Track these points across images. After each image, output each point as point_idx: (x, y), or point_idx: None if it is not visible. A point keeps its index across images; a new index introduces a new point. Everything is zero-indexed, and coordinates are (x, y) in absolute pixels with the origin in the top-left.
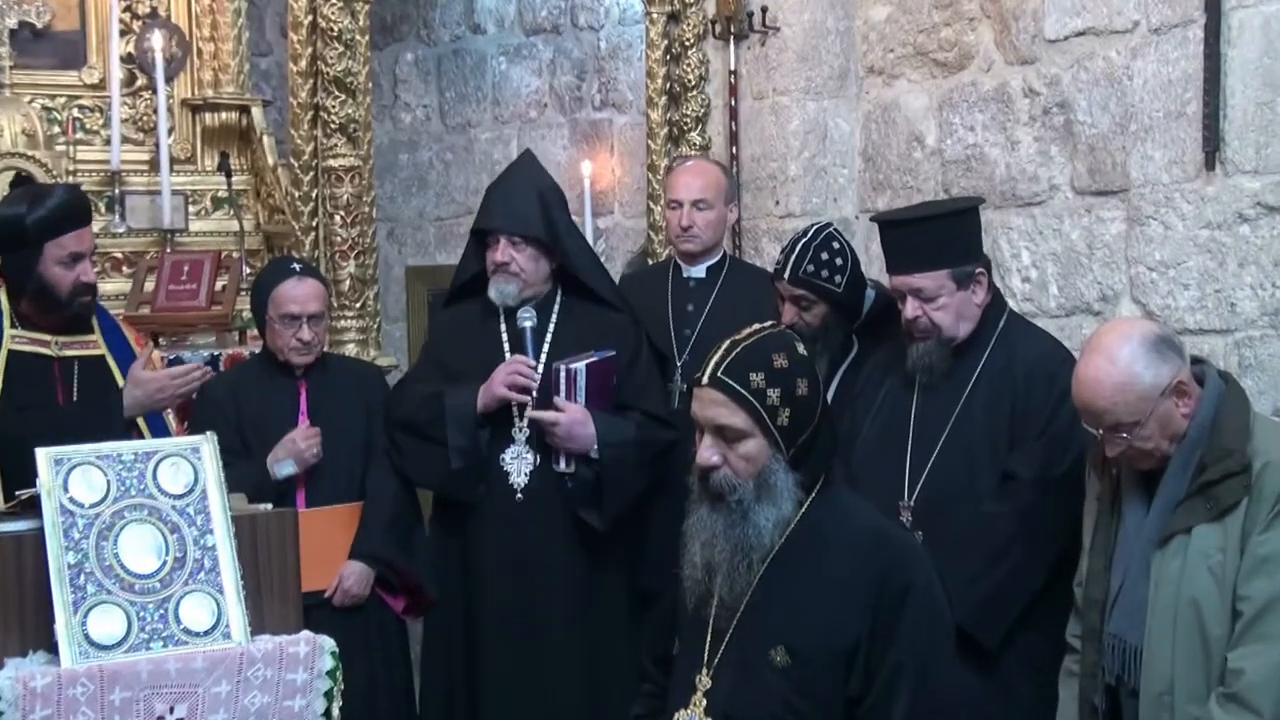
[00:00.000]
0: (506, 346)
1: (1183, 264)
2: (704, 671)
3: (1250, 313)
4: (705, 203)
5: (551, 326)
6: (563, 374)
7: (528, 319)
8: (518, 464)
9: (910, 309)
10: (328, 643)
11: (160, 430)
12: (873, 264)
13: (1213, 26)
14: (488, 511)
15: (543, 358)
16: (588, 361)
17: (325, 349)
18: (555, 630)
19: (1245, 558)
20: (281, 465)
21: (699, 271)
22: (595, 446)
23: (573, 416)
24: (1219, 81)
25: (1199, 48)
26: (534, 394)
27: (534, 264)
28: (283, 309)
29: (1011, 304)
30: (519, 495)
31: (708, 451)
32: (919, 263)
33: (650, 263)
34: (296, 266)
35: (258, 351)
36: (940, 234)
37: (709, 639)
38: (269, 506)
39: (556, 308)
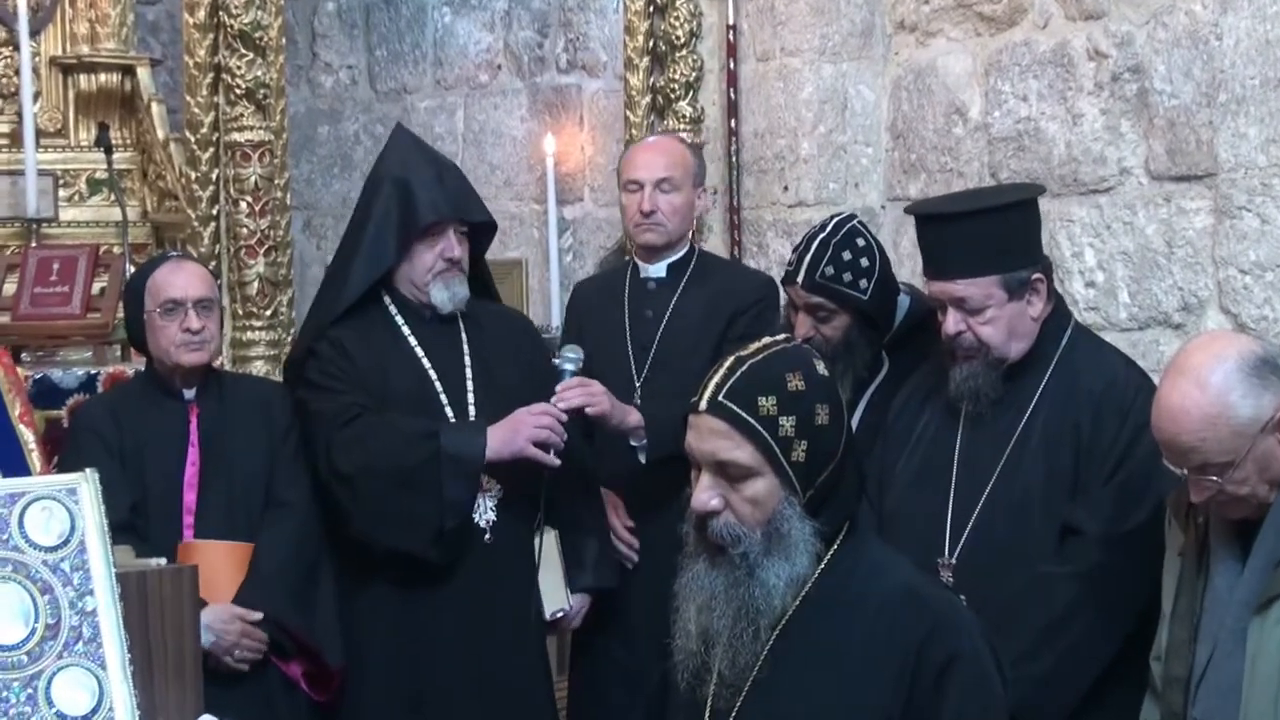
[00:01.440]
0: (469, 361)
1: None
2: None
3: None
4: (671, 183)
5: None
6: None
7: (571, 360)
8: (482, 499)
9: (951, 323)
10: None
11: (18, 467)
12: (904, 264)
13: None
14: (452, 561)
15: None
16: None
17: (225, 366)
18: (534, 694)
19: None
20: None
21: (658, 270)
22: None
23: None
24: None
25: None
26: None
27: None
28: (163, 296)
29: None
30: (488, 536)
31: (706, 493)
32: (962, 267)
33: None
34: (173, 254)
35: (140, 370)
36: (990, 231)
37: None
38: (162, 562)
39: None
